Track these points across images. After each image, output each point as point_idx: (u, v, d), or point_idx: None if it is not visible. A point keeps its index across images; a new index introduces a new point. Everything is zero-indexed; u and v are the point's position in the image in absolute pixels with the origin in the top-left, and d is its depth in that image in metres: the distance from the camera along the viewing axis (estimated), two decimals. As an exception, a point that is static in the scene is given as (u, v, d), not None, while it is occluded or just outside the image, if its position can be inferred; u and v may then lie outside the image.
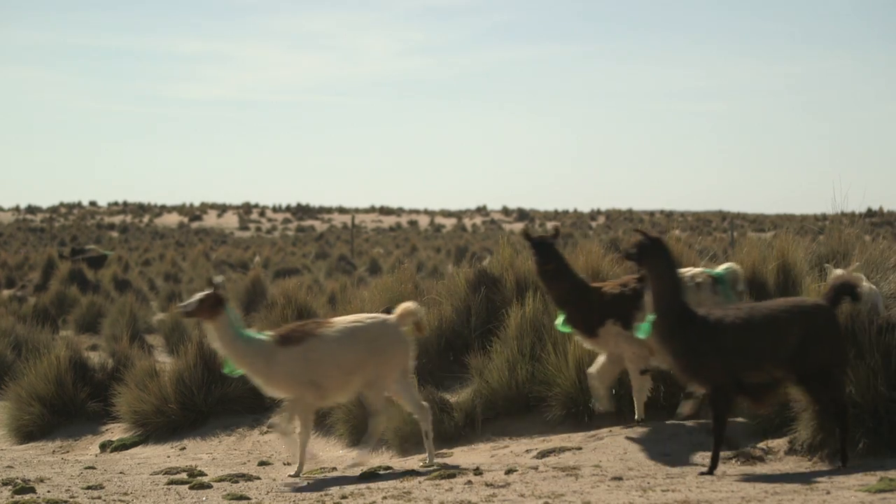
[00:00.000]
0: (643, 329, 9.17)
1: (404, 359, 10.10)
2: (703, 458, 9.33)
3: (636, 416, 10.46)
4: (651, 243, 8.89)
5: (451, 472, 9.42)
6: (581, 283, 10.47)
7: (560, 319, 10.48)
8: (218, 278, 10.14)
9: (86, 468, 11.18)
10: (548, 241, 10.44)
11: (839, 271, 9.36)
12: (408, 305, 10.24)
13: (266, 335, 10.01)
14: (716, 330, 8.64)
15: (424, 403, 10.20)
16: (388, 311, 10.55)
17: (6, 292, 31.98)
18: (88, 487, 9.60)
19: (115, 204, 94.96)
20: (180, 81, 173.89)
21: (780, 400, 9.10)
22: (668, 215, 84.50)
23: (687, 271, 10.35)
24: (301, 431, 10.04)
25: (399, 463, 10.51)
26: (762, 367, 8.60)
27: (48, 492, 9.34)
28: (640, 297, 10.06)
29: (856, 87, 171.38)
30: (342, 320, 10.12)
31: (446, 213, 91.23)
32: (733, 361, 8.60)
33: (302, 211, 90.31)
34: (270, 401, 13.46)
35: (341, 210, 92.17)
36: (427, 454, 10.16)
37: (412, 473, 9.63)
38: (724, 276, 10.31)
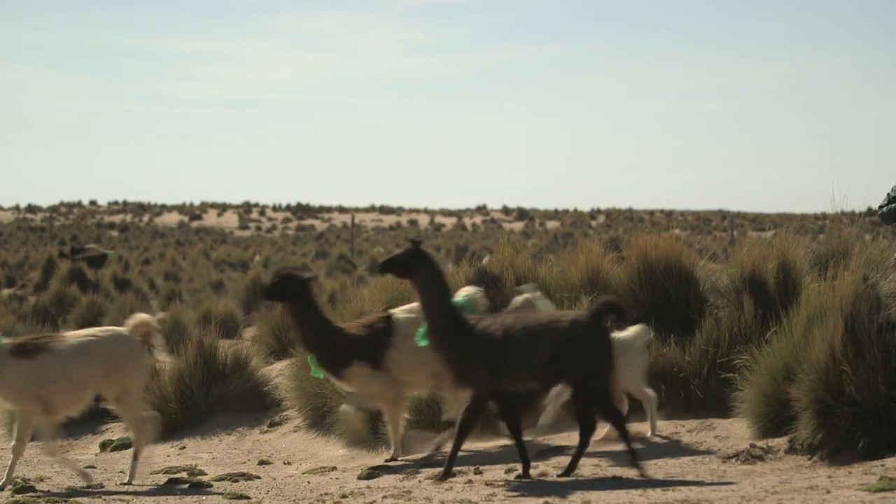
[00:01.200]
0: (419, 336, 9.35)
1: (140, 371, 9.96)
2: (702, 456, 9.34)
3: (392, 454, 10.41)
4: (417, 253, 8.99)
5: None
6: (326, 324, 10.37)
7: (312, 363, 10.49)
8: None
9: (86, 467, 11.18)
10: (294, 278, 10.27)
11: (523, 296, 10.11)
12: (141, 317, 10.09)
13: (3, 342, 9.75)
14: (481, 338, 8.79)
15: (146, 414, 10.04)
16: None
17: (6, 291, 32.00)
18: (88, 487, 9.60)
19: (115, 203, 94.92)
20: (180, 81, 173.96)
21: (537, 410, 9.40)
22: (668, 214, 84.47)
23: None
24: (16, 444, 9.73)
25: (399, 462, 10.50)
26: (518, 378, 8.75)
27: (48, 491, 9.34)
28: (387, 335, 10.14)
29: (856, 87, 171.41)
30: (76, 334, 9.91)
31: (446, 213, 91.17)
32: (495, 371, 8.74)
33: (302, 210, 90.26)
34: (271, 400, 13.51)
35: (341, 209, 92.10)
36: (129, 472, 9.94)
37: (412, 472, 9.63)
38: (465, 305, 10.39)
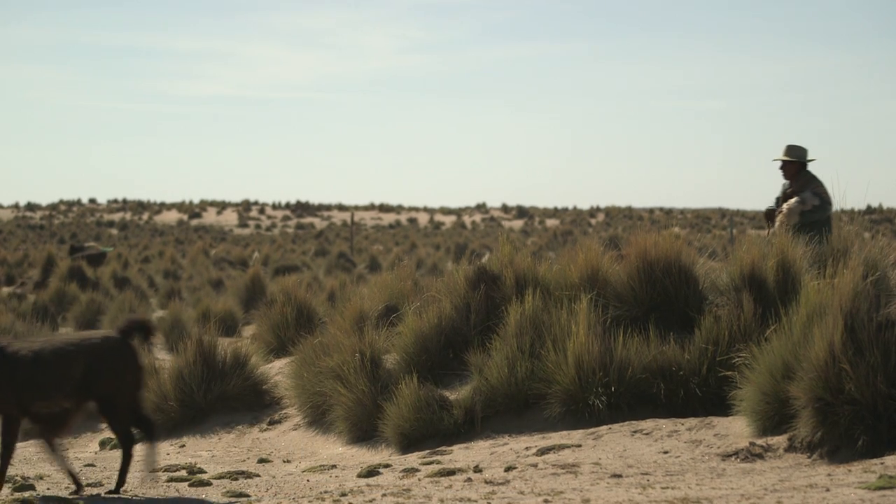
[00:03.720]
0: None
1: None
2: (702, 454, 9.33)
3: None
4: None
5: (450, 469, 9.42)
6: None
7: None
8: None
9: (85, 465, 11.19)
10: None
11: None
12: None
13: None
14: (10, 363, 8.79)
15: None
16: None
17: (6, 289, 32.02)
18: (88, 485, 9.60)
19: (115, 201, 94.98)
20: (180, 79, 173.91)
21: (73, 426, 9.39)
22: (668, 212, 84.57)
23: None
24: None
25: (399, 460, 10.51)
26: (51, 398, 8.82)
27: (48, 489, 9.34)
28: None
29: (855, 85, 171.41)
30: None
31: (446, 211, 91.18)
32: (25, 393, 8.80)
33: (301, 208, 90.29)
34: (270, 398, 13.51)
35: (341, 207, 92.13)
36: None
37: (412, 470, 9.64)
38: None
